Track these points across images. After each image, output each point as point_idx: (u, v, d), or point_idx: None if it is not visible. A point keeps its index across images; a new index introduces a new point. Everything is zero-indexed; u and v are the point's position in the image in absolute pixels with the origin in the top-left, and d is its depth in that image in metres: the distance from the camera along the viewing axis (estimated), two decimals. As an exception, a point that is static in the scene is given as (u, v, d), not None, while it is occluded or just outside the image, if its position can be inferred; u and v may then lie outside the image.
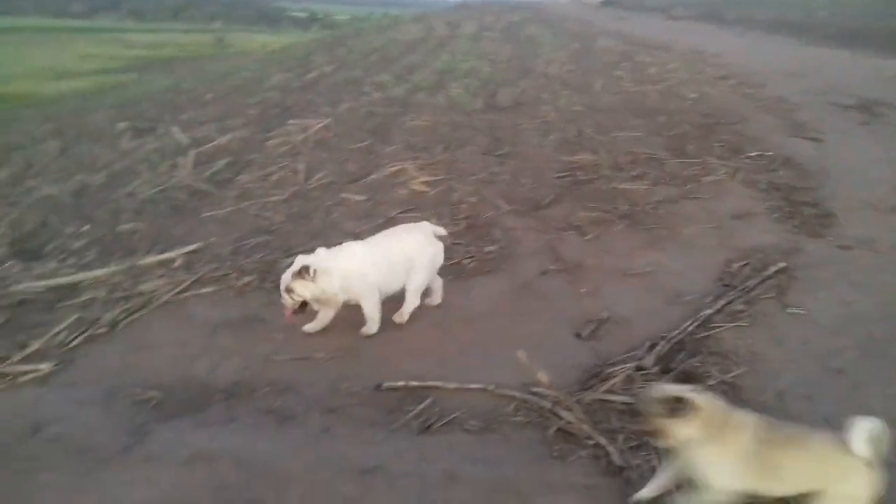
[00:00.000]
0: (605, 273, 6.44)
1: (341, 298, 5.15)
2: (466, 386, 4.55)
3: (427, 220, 6.83)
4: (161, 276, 6.22)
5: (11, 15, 52.32)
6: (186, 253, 6.62)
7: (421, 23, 35.94)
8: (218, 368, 4.91)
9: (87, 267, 6.54)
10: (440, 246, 5.51)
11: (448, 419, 4.22)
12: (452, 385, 4.56)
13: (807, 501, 3.13)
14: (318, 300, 5.12)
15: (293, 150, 9.72)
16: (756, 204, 8.08)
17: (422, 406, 4.35)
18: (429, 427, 4.16)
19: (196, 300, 5.85)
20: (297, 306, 5.04)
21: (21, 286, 6.17)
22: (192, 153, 9.47)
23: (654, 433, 3.18)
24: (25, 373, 4.87)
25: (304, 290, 4.97)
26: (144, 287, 6.02)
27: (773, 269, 6.23)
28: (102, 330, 5.38)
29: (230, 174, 9.04)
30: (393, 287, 5.34)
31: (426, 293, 5.61)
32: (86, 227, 7.60)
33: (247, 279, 6.10)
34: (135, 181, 8.86)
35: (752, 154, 9.87)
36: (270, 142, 10.16)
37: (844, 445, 3.00)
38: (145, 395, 4.55)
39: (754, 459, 3.07)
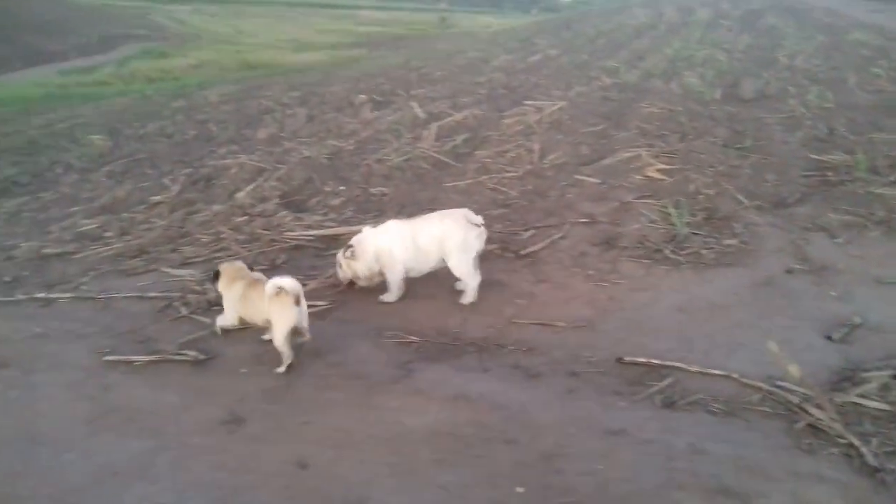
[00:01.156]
0: (857, 278, 6.19)
1: (376, 271, 5.80)
2: (709, 371, 4.69)
3: (664, 207, 7.01)
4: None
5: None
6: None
7: (650, 7, 35.09)
8: (467, 323, 5.46)
9: (347, 222, 7.44)
10: (474, 231, 5.72)
11: (691, 399, 4.41)
12: (695, 368, 4.72)
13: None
14: (362, 275, 5.80)
15: (528, 129, 10.18)
16: None
17: (664, 383, 4.57)
18: (672, 403, 4.38)
19: (444, 260, 6.46)
20: (346, 280, 5.88)
21: (294, 234, 7.18)
22: (434, 126, 10.25)
23: None
24: (310, 305, 5.72)
25: (348, 267, 5.79)
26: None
27: None
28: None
29: (468, 149, 9.68)
30: (423, 267, 5.83)
31: (460, 294, 5.88)
32: (342, 188, 8.58)
33: (490, 246, 6.60)
34: (382, 149, 9.78)
35: None
36: (506, 120, 10.70)
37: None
38: (407, 339, 5.19)
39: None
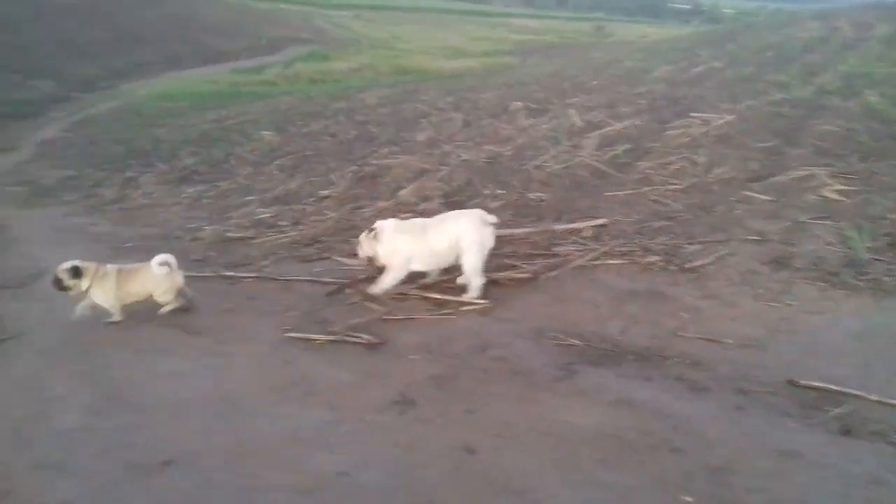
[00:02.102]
0: None
1: (383, 261, 6.16)
2: (890, 401, 4.51)
3: (843, 229, 6.73)
4: (572, 242, 7.07)
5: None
6: (595, 226, 7.37)
7: (822, 20, 33.11)
8: (628, 331, 5.53)
9: (506, 225, 7.65)
10: (489, 230, 6.05)
11: (871, 428, 4.26)
12: (874, 397, 4.55)
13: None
14: (381, 256, 6.15)
15: (693, 142, 10.02)
16: None
17: (841, 410, 4.43)
18: (849, 431, 4.25)
19: (604, 269, 6.56)
20: (365, 258, 6.28)
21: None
22: (595, 135, 10.32)
23: None
24: (466, 304, 6.01)
25: (369, 247, 6.17)
26: (559, 249, 6.91)
27: None
28: (526, 275, 6.36)
29: (629, 159, 9.67)
30: (434, 264, 6.22)
31: (463, 288, 6.16)
32: (500, 191, 8.83)
33: (652, 258, 6.62)
34: (540, 156, 9.96)
35: None
36: (670, 132, 10.58)
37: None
38: (567, 341, 5.33)
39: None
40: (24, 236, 9.25)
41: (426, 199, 8.70)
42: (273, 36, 40.10)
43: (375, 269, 6.27)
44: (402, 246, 6.08)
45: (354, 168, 10.85)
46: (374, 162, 11.19)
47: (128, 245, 8.33)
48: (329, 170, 11.28)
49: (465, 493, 3.77)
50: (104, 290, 5.79)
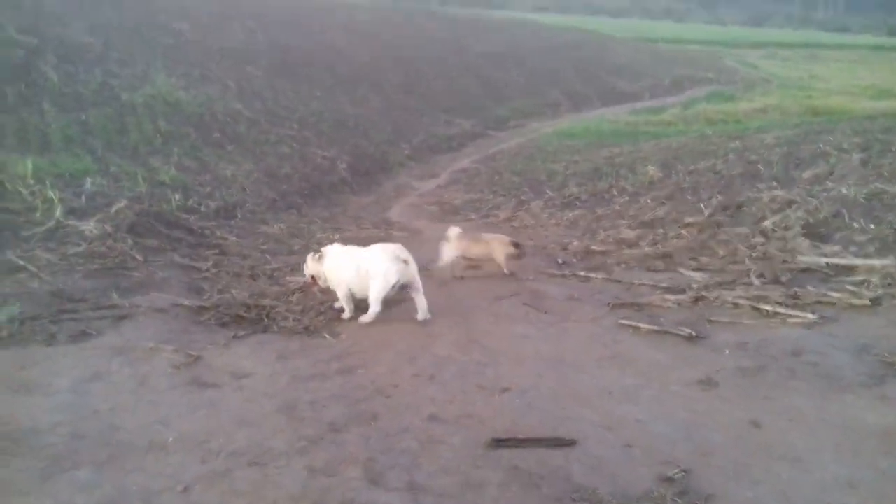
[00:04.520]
0: None
1: (324, 284, 7.23)
2: None
3: None
4: (935, 275, 6.99)
5: (848, 32, 55.87)
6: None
7: None
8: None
9: (867, 256, 7.78)
10: (396, 265, 6.76)
11: None
12: None
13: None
14: (321, 278, 7.20)
15: None
16: None
17: None
18: None
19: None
20: (308, 276, 7.33)
21: (806, 258, 7.89)
22: None
23: None
24: (794, 316, 6.52)
25: (313, 267, 7.22)
26: (916, 282, 6.92)
27: None
28: (864, 303, 6.60)
29: None
30: (362, 289, 6.97)
31: (414, 309, 7.03)
32: (871, 226, 8.81)
33: None
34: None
35: None
36: None
37: None
38: (890, 359, 5.59)
39: None
40: (430, 237, 11.87)
41: (787, 228, 9.10)
42: (676, 76, 41.36)
43: (318, 288, 7.43)
44: (338, 271, 7.09)
45: (722, 198, 11.51)
46: (746, 194, 11.70)
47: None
48: (700, 200, 12.10)
49: (741, 452, 4.53)
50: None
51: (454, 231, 8.77)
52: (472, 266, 8.88)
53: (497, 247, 8.62)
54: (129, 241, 8.56)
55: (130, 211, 9.40)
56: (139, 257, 8.24)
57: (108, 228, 8.68)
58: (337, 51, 30.90)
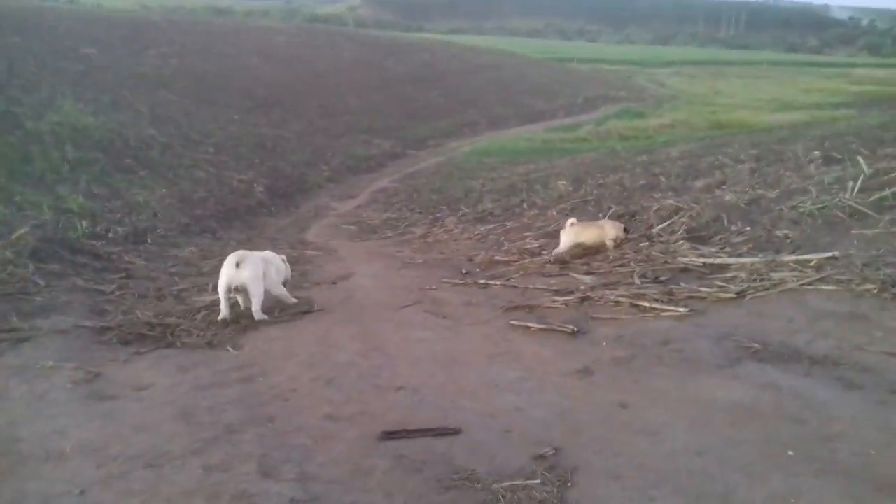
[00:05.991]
0: None
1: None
2: None
3: None
4: (792, 270, 7.70)
5: (750, 49, 58.91)
6: (824, 258, 7.89)
7: None
8: (813, 343, 6.19)
9: (738, 256, 8.49)
10: (227, 270, 7.48)
11: None
12: None
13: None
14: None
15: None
16: None
17: None
18: None
19: (814, 293, 7.15)
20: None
21: (685, 259, 8.56)
22: (860, 178, 10.45)
23: None
24: (666, 310, 7.13)
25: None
26: (776, 275, 7.62)
27: None
28: (731, 296, 7.26)
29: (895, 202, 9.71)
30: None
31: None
32: (747, 228, 9.58)
33: (867, 286, 7.03)
34: (800, 197, 10.41)
35: None
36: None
37: None
38: (747, 344, 6.20)
39: None
40: (345, 255, 12.21)
41: (672, 233, 9.81)
42: (590, 95, 42.91)
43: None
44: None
45: (616, 208, 12.24)
46: (641, 203, 12.46)
47: (418, 262, 10.75)
48: (600, 210, 12.80)
49: (606, 429, 5.02)
50: None
51: (571, 221, 10.15)
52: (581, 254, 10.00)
53: (609, 230, 9.96)
54: (31, 267, 8.60)
55: (32, 237, 9.43)
56: (41, 282, 8.31)
57: (9, 255, 8.71)
58: (255, 74, 31.08)
